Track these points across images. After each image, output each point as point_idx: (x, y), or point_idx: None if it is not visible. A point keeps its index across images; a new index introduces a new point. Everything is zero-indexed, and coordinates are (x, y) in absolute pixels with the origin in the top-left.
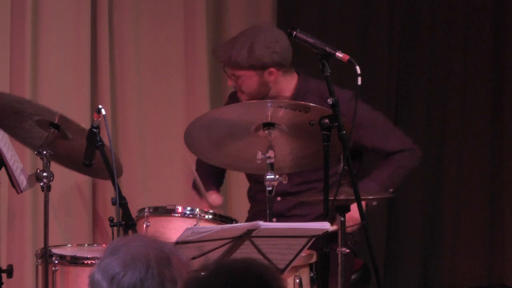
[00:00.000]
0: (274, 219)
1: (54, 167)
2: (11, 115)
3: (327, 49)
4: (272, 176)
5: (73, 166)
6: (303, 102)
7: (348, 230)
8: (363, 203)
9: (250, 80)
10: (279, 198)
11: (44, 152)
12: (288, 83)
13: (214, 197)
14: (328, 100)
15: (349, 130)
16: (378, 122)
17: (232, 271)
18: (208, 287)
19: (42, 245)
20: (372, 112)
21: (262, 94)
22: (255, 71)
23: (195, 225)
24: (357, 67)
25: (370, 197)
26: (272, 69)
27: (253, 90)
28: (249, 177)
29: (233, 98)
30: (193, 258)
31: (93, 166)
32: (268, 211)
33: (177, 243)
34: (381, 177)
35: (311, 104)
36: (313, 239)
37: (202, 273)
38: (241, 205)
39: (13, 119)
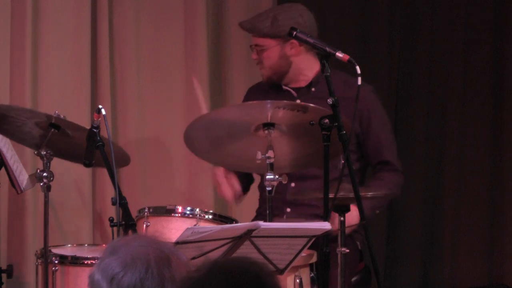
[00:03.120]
0: (287, 209)
1: (54, 167)
2: (8, 120)
3: (327, 49)
4: (272, 176)
5: (76, 160)
6: (302, 103)
7: (347, 230)
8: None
9: (271, 51)
10: (293, 184)
11: (44, 152)
12: (311, 64)
13: (233, 183)
14: (328, 100)
15: (349, 130)
16: (389, 127)
17: (228, 271)
18: (204, 286)
19: (42, 245)
20: (386, 115)
21: (283, 69)
22: (277, 40)
23: (195, 225)
24: (357, 67)
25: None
26: (294, 41)
27: (274, 62)
28: None
29: (252, 92)
30: (193, 258)
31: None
32: (268, 211)
33: (177, 243)
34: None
35: (309, 104)
36: (313, 239)
37: (199, 273)
38: (241, 205)
39: (12, 124)
